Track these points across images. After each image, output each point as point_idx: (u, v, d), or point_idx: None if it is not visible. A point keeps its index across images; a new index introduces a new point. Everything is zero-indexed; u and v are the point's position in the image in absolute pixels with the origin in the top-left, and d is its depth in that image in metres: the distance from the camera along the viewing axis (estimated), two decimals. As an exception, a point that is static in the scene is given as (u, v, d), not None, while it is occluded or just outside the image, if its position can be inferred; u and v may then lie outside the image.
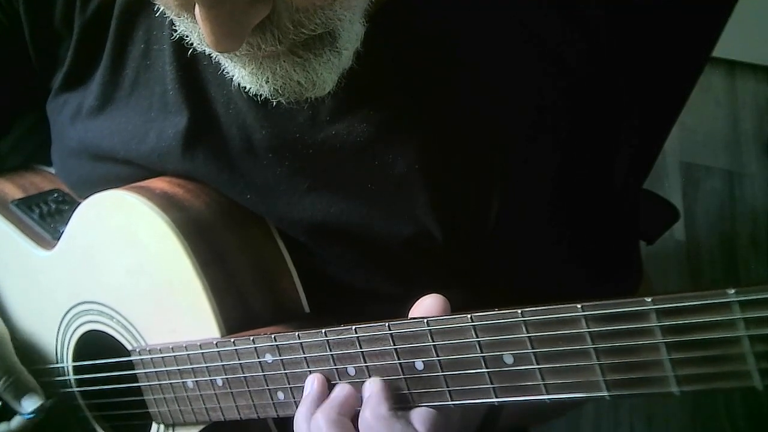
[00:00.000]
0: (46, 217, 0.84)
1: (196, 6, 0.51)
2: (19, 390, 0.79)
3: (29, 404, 0.79)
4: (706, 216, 2.07)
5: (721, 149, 2.20)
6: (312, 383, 0.60)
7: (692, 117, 2.18)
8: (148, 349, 0.73)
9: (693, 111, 2.17)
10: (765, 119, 2.25)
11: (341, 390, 0.59)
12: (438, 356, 0.54)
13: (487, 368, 0.52)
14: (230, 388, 0.67)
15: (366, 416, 0.56)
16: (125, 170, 0.74)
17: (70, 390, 0.84)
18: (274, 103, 0.61)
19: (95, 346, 0.80)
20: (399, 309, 0.59)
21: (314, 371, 0.61)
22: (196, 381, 0.69)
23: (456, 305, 0.58)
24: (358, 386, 0.59)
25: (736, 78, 2.31)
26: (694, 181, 2.13)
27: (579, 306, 0.47)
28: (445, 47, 0.65)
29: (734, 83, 2.31)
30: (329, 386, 0.60)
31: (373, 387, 0.57)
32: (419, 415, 0.56)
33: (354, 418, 0.58)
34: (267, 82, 0.58)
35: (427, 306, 0.56)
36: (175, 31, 0.59)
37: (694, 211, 2.07)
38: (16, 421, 0.80)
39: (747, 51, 2.23)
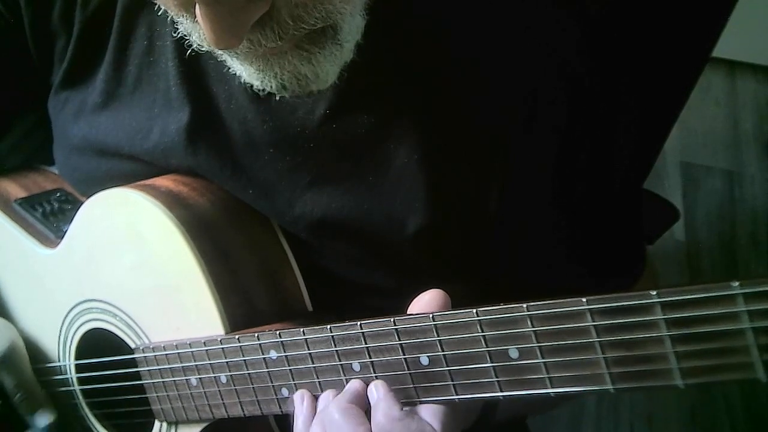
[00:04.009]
0: (49, 216, 0.84)
1: (196, 5, 0.52)
2: (32, 405, 0.81)
3: (42, 420, 0.80)
4: (706, 216, 2.07)
5: (721, 149, 2.20)
6: (302, 401, 0.62)
7: (692, 117, 2.18)
8: (151, 346, 0.73)
9: (693, 111, 2.17)
10: (765, 119, 2.25)
11: (352, 383, 0.59)
12: (443, 351, 0.54)
13: (492, 362, 0.52)
14: (234, 385, 0.67)
15: (379, 419, 0.57)
16: (130, 166, 0.75)
17: (71, 388, 0.84)
18: (276, 98, 0.62)
19: (98, 344, 0.80)
20: (400, 303, 0.59)
21: (318, 367, 0.61)
22: (200, 378, 0.69)
23: (457, 299, 0.58)
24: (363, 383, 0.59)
25: (736, 78, 2.32)
26: (694, 181, 2.13)
27: (584, 300, 0.47)
28: (443, 39, 0.65)
29: (734, 83, 2.31)
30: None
31: (380, 391, 0.58)
32: (429, 411, 0.57)
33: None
34: (275, 77, 0.58)
35: (427, 301, 0.57)
36: (177, 29, 0.59)
37: (694, 211, 2.07)
38: None
39: (747, 51, 2.24)
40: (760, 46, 2.23)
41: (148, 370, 0.74)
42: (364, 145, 0.66)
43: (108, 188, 0.74)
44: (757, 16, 2.02)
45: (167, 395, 0.73)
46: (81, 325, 0.80)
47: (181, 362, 0.70)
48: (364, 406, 0.58)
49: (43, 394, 0.82)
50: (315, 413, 0.61)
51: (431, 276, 0.61)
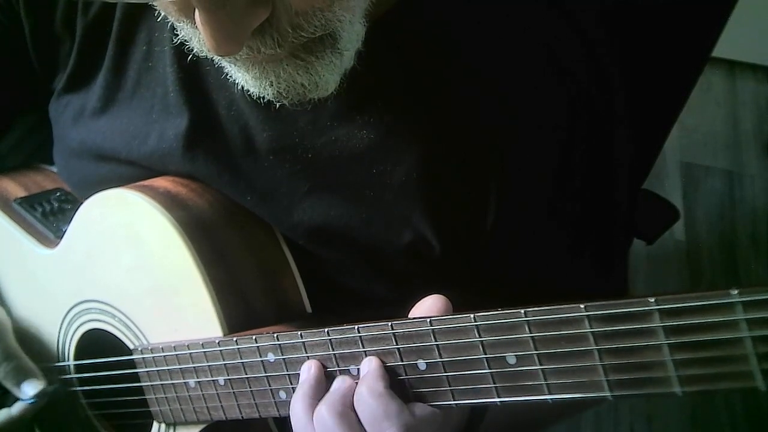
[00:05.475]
0: (48, 216, 0.84)
1: (196, 11, 0.51)
2: (19, 375, 0.79)
3: (30, 388, 0.78)
4: (706, 216, 2.07)
5: (721, 149, 2.20)
6: (309, 369, 0.60)
7: (692, 117, 2.18)
8: (150, 347, 0.73)
9: (693, 111, 2.17)
10: (765, 119, 2.25)
11: (343, 382, 0.59)
12: (441, 356, 0.54)
13: (489, 368, 0.52)
14: (232, 388, 0.67)
15: (362, 391, 0.56)
16: (127, 171, 0.75)
17: (72, 389, 0.84)
18: (277, 106, 0.61)
19: (97, 344, 0.80)
20: (398, 312, 0.59)
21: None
22: (198, 380, 0.69)
23: (455, 307, 0.58)
24: None
25: (736, 78, 2.32)
26: (694, 181, 2.13)
27: (582, 306, 0.47)
28: (447, 51, 0.65)
29: (734, 83, 2.31)
30: (326, 374, 0.60)
31: (371, 364, 0.57)
32: (420, 406, 0.56)
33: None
34: (271, 85, 0.58)
35: (429, 306, 0.57)
36: (177, 35, 0.59)
37: (694, 211, 2.07)
38: (17, 407, 0.79)
39: (747, 51, 2.23)
40: (760, 46, 2.23)
41: (147, 371, 0.74)
42: (362, 160, 0.66)
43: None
44: (757, 16, 2.01)
45: (165, 397, 0.73)
46: (80, 326, 0.80)
47: (179, 364, 0.70)
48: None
49: (30, 364, 0.80)
50: (321, 386, 0.60)
51: (430, 285, 0.60)
